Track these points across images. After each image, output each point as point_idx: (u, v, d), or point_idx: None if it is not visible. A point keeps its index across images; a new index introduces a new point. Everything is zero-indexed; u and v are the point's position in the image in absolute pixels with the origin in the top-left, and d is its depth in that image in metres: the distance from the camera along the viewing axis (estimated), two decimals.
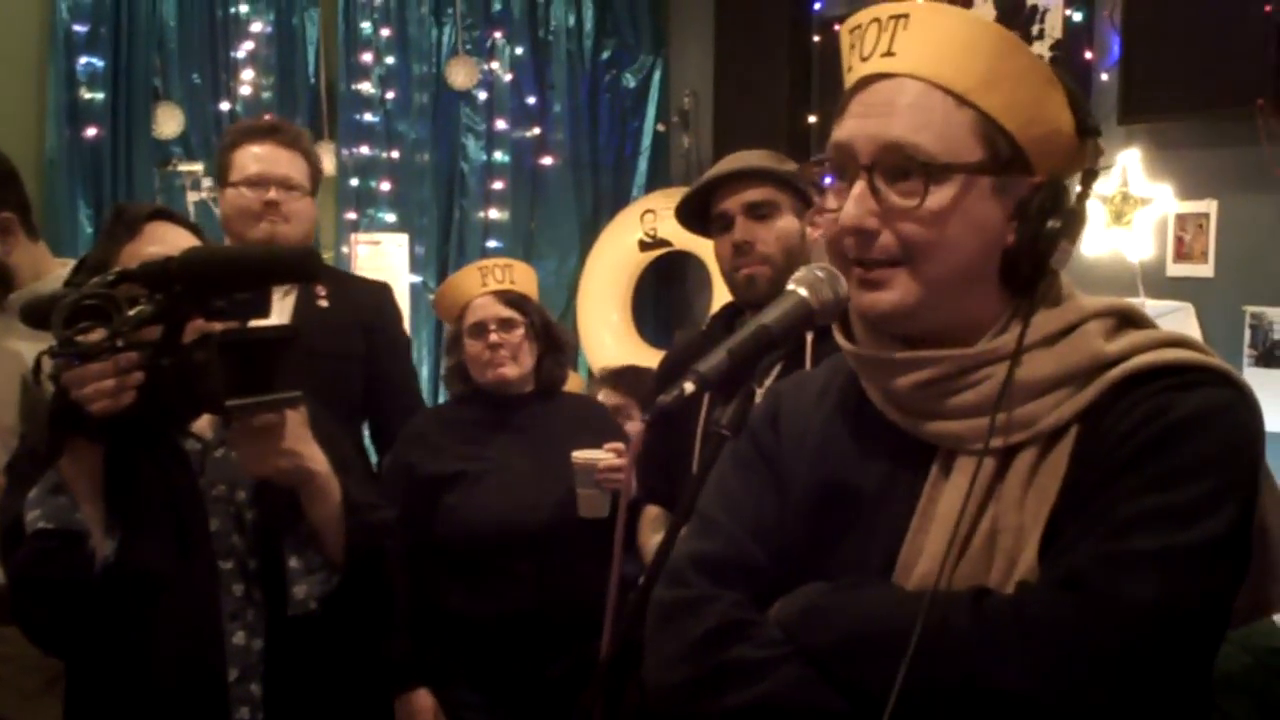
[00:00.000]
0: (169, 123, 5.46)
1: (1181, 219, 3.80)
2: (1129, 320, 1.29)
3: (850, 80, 1.30)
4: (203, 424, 2.07)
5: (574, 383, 4.92)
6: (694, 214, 2.57)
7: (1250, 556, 1.21)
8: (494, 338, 3.01)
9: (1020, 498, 1.22)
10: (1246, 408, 1.22)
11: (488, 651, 2.91)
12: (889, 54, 1.25)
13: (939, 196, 1.22)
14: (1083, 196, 1.30)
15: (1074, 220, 1.27)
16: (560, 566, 2.91)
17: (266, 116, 5.36)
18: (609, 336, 5.88)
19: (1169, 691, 1.16)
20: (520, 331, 3.04)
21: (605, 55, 6.17)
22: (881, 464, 1.33)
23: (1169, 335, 1.27)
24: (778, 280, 2.39)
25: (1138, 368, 1.21)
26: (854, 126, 1.26)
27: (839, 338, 1.36)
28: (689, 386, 1.18)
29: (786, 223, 2.45)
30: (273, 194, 3.01)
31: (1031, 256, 1.26)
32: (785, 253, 2.43)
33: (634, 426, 4.05)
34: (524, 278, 3.17)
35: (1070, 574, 1.16)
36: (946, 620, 1.17)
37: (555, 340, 3.16)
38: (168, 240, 1.99)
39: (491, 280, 3.09)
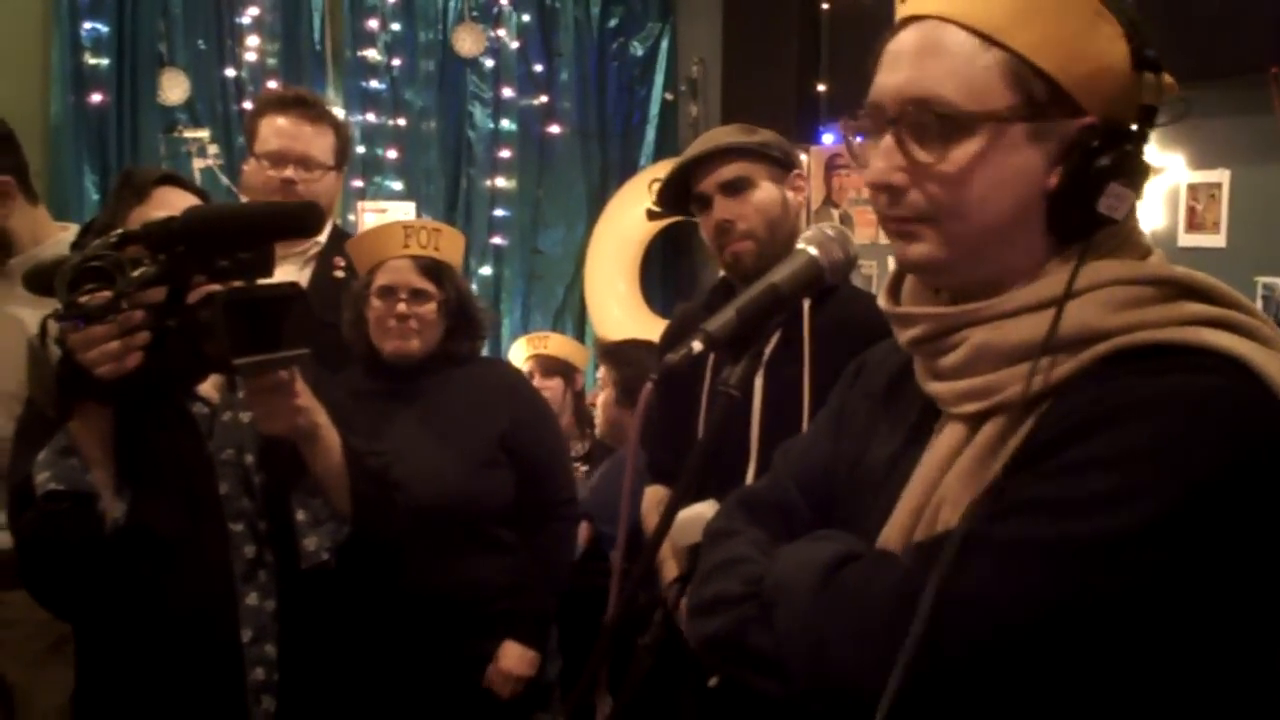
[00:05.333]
0: (174, 89, 5.45)
1: (1194, 189, 3.76)
2: (1190, 292, 1.13)
3: (896, 23, 1.22)
4: (209, 388, 2.07)
5: (580, 355, 4.91)
6: (676, 197, 2.57)
7: (1185, 565, 1.01)
8: (402, 308, 2.79)
9: (974, 470, 1.13)
10: (1243, 402, 1.04)
11: (365, 639, 2.81)
12: None
13: (963, 151, 1.13)
14: (1140, 136, 1.16)
15: (1126, 161, 1.13)
16: (443, 553, 2.78)
17: (272, 83, 5.35)
18: (617, 306, 5.87)
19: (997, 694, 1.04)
20: (432, 306, 2.82)
21: (613, 22, 6.15)
22: (903, 425, 1.29)
23: (1220, 314, 1.11)
24: (763, 253, 2.41)
25: (1126, 345, 1.09)
26: (882, 79, 1.18)
27: (881, 297, 1.31)
28: (697, 345, 1.17)
29: (764, 193, 2.45)
30: (289, 173, 3.00)
31: (1075, 201, 1.14)
32: (767, 224, 2.44)
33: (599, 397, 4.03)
34: (450, 245, 2.92)
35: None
36: (800, 579, 1.18)
37: (468, 318, 2.91)
38: (175, 205, 1.97)
39: (414, 244, 2.84)
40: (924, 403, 1.24)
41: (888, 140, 1.17)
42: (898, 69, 1.17)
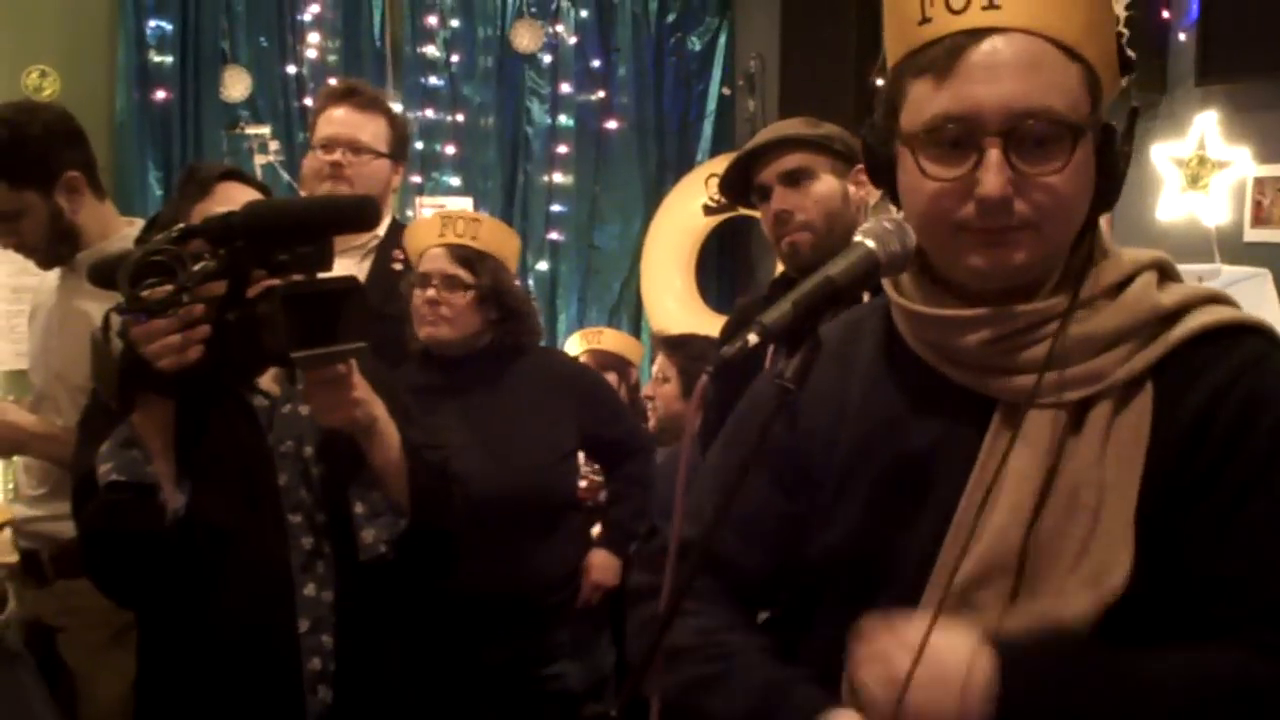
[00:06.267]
0: (236, 86, 5.51)
1: (1260, 183, 3.70)
2: (1166, 272, 1.29)
3: (931, 32, 1.21)
4: (269, 381, 2.09)
5: (634, 350, 4.91)
6: (737, 187, 2.58)
7: None
8: (432, 294, 2.82)
9: (1098, 453, 1.21)
10: None
11: (425, 633, 2.80)
12: (992, 6, 1.19)
13: (1072, 159, 1.19)
14: (1129, 135, 1.27)
15: (1125, 162, 1.27)
16: (506, 545, 2.81)
17: (333, 80, 5.40)
18: (673, 302, 5.86)
19: None
20: (464, 293, 2.83)
21: (670, 18, 6.13)
22: (934, 421, 1.30)
23: (1207, 290, 1.27)
24: (821, 245, 2.40)
25: (1204, 327, 1.22)
26: (973, 91, 1.18)
27: (893, 295, 1.33)
28: (752, 337, 1.16)
29: (825, 186, 2.45)
30: (336, 155, 3.05)
31: (1108, 200, 1.25)
32: (825, 216, 2.43)
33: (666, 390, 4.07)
34: (492, 236, 2.93)
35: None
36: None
37: (510, 307, 2.91)
38: (238, 200, 1.99)
39: (450, 233, 2.87)
40: (947, 397, 1.28)
41: (996, 155, 1.18)
42: (997, 81, 1.18)
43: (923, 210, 1.25)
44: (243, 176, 2.16)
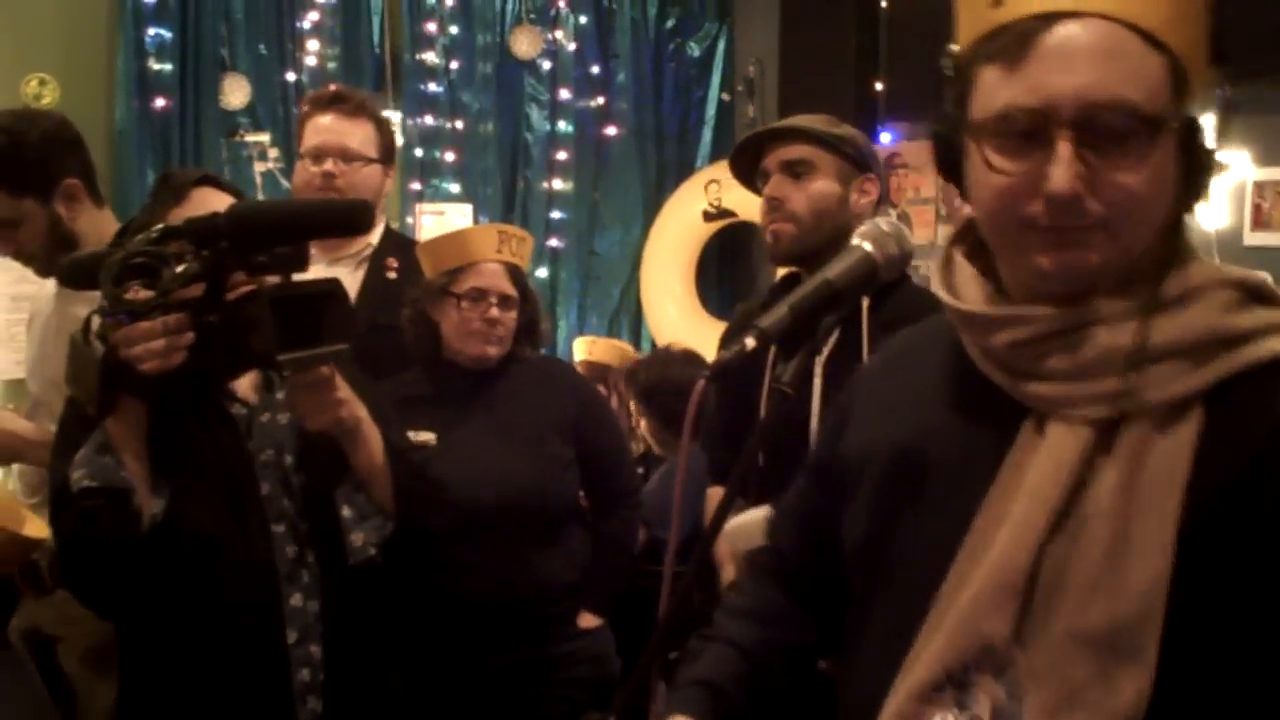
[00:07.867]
0: (236, 93, 5.52)
1: (1260, 186, 3.70)
2: (1258, 295, 1.15)
3: (1004, 15, 1.14)
4: (247, 389, 2.07)
5: (629, 359, 4.92)
6: (746, 168, 2.58)
7: None
8: (495, 313, 2.81)
9: (1125, 482, 1.10)
10: None
11: (429, 638, 2.75)
12: None
13: (1151, 156, 1.10)
14: (1223, 132, 1.17)
15: (1211, 158, 1.16)
16: (510, 553, 2.79)
17: (331, 87, 5.41)
18: (673, 308, 5.86)
19: None
20: (514, 314, 2.85)
21: (669, 24, 6.14)
22: (973, 426, 1.23)
23: None
24: (803, 240, 2.41)
25: (1276, 354, 1.09)
26: (1046, 80, 1.10)
27: (942, 294, 1.26)
28: (750, 342, 1.15)
29: (823, 185, 2.44)
30: (328, 165, 3.02)
31: (1189, 201, 1.17)
32: (815, 214, 2.42)
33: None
34: (528, 255, 2.97)
35: None
36: None
37: (533, 331, 2.97)
38: (213, 206, 1.96)
39: (507, 250, 2.86)
40: (992, 401, 1.20)
41: (1067, 148, 1.10)
42: (1071, 70, 1.09)
43: (988, 206, 1.17)
44: (218, 182, 2.13)
